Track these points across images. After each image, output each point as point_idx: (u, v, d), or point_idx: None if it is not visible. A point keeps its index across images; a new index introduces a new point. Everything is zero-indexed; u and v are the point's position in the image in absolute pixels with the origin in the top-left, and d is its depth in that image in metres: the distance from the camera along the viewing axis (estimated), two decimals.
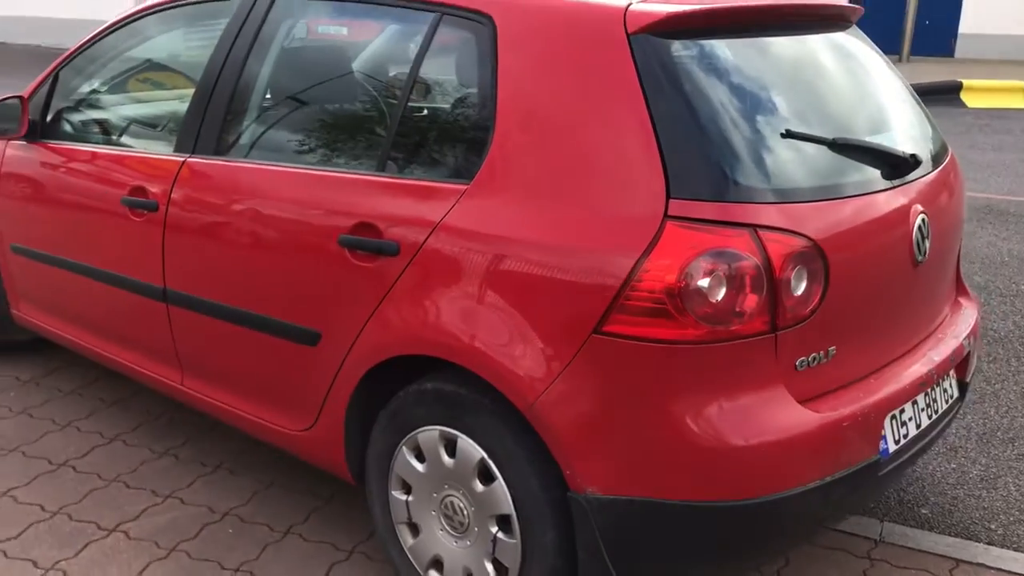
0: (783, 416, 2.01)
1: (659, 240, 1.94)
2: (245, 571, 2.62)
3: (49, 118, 3.44)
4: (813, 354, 2.08)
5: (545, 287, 2.04)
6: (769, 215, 1.98)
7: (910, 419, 2.33)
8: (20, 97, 3.44)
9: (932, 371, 2.36)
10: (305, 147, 2.64)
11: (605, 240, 1.99)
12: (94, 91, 3.48)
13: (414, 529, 2.43)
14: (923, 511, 3.04)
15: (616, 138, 2.03)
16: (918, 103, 2.70)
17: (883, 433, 2.22)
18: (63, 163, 3.27)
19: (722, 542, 2.04)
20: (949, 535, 2.90)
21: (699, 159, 1.98)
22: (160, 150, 2.98)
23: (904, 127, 2.53)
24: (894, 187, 2.27)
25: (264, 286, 2.60)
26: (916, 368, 2.35)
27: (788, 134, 2.11)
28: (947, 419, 2.54)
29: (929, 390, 2.41)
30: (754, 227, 1.96)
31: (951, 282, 2.70)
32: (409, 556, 2.45)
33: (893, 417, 2.27)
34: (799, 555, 2.75)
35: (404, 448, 2.38)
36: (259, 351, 2.67)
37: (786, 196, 2.03)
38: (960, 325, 2.63)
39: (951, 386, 2.57)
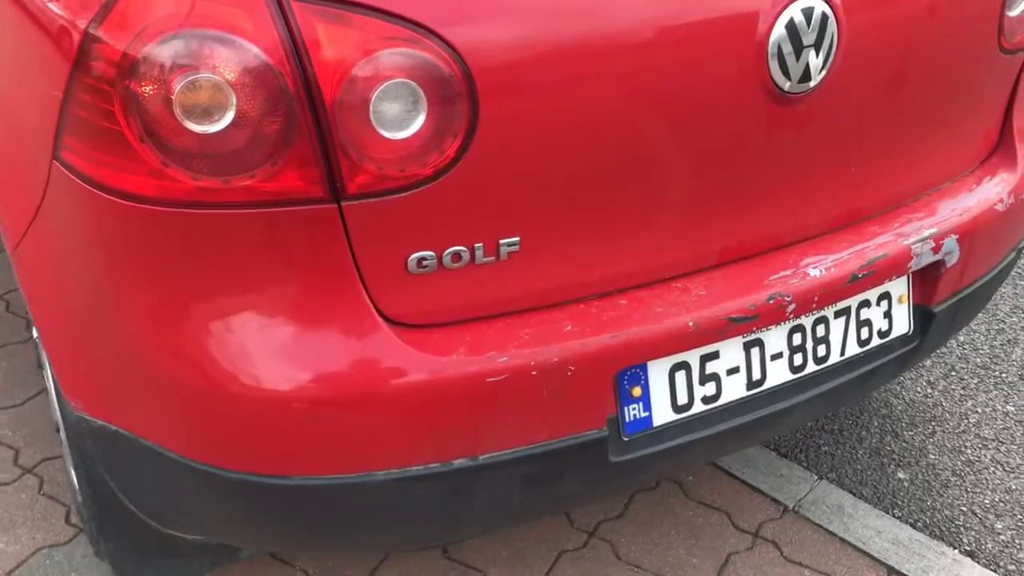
0: (351, 347, 1.12)
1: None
2: None
3: None
4: (454, 247, 1.12)
5: (24, 70, 1.21)
6: None
7: (733, 370, 1.33)
8: None
9: (786, 298, 1.29)
10: None
11: None
12: None
13: None
14: (900, 475, 1.98)
15: None
16: None
17: (634, 393, 1.26)
18: None
19: (237, 517, 1.25)
20: (913, 525, 1.86)
21: None
22: None
23: None
24: None
25: None
26: (752, 289, 1.30)
27: None
28: (869, 368, 1.47)
29: (794, 323, 1.36)
30: None
31: (956, 132, 1.50)
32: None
33: (679, 366, 1.28)
34: (640, 507, 1.86)
35: None
36: None
37: None
38: (933, 213, 1.47)
39: (888, 316, 1.47)
